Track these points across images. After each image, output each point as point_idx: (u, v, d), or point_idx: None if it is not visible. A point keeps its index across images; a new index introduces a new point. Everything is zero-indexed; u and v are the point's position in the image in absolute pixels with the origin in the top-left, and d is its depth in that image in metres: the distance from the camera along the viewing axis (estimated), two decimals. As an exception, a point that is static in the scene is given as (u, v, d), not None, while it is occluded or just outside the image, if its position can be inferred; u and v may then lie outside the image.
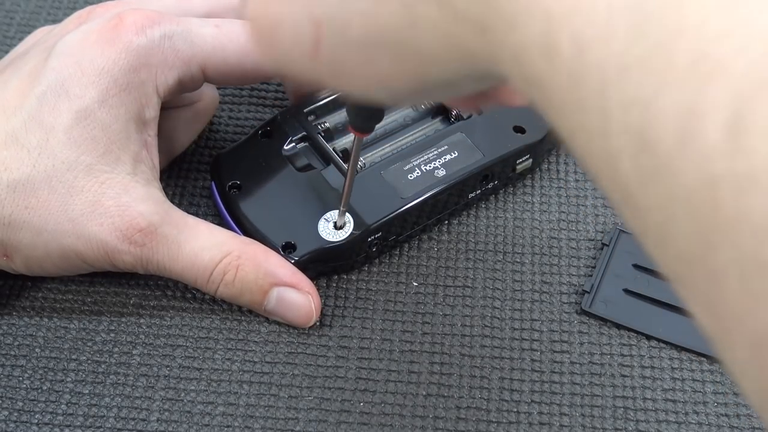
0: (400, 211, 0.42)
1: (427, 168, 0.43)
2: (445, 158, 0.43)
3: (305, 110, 0.44)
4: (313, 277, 0.41)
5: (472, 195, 0.44)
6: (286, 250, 0.41)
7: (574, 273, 0.43)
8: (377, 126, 0.39)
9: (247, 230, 0.41)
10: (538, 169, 0.46)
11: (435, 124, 0.45)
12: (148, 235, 0.38)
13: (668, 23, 0.17)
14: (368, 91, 0.26)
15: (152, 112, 0.39)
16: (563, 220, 0.45)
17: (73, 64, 0.38)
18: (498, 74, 0.21)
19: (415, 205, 0.42)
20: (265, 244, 0.40)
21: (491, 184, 0.44)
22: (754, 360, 0.17)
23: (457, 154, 0.43)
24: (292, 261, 0.40)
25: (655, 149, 0.17)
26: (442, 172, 0.43)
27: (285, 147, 0.44)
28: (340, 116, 0.44)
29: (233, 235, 0.40)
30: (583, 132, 0.19)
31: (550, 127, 0.39)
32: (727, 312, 0.17)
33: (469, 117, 0.45)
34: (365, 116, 0.35)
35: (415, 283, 0.42)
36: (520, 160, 0.44)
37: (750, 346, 0.17)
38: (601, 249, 0.43)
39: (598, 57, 0.18)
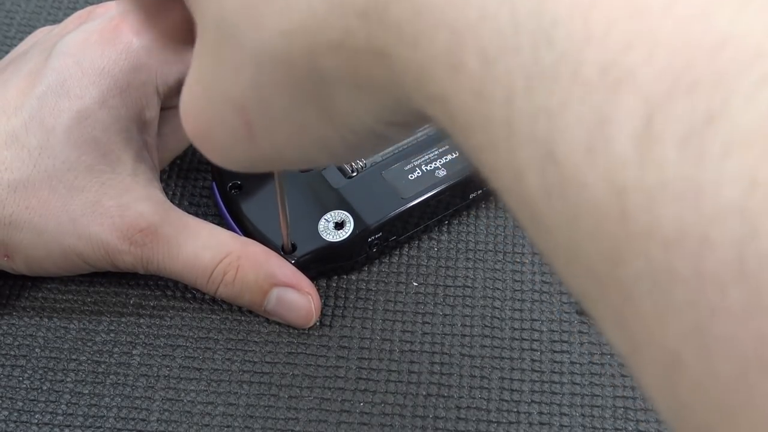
0: (400, 211, 0.42)
1: (428, 168, 0.43)
2: (446, 158, 0.43)
3: None
4: (314, 277, 0.41)
5: (474, 195, 0.44)
6: (286, 251, 0.41)
7: (574, 273, 0.43)
8: None
9: (248, 230, 0.41)
10: None
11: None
12: (149, 235, 0.38)
13: (574, 32, 0.16)
14: (310, 159, 0.26)
15: (152, 112, 0.39)
16: (563, 220, 0.45)
17: (74, 64, 0.38)
18: (417, 112, 0.21)
19: (415, 205, 0.42)
20: (266, 244, 0.40)
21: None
22: (666, 376, 0.16)
23: (458, 153, 0.43)
24: (293, 261, 0.40)
25: (561, 161, 0.17)
26: (442, 172, 0.43)
27: None
28: None
29: (233, 235, 0.40)
30: (489, 148, 0.19)
31: None
32: (638, 328, 0.16)
33: None
34: None
35: (415, 283, 0.42)
36: None
37: (661, 361, 0.16)
38: (601, 249, 0.43)
39: (505, 69, 0.17)
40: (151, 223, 0.38)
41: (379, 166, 0.43)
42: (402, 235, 0.43)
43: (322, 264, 0.41)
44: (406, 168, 0.43)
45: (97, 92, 0.38)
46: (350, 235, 0.41)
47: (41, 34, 0.44)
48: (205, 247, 0.38)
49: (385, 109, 0.23)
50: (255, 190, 0.42)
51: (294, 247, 0.41)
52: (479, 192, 0.44)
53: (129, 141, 0.38)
